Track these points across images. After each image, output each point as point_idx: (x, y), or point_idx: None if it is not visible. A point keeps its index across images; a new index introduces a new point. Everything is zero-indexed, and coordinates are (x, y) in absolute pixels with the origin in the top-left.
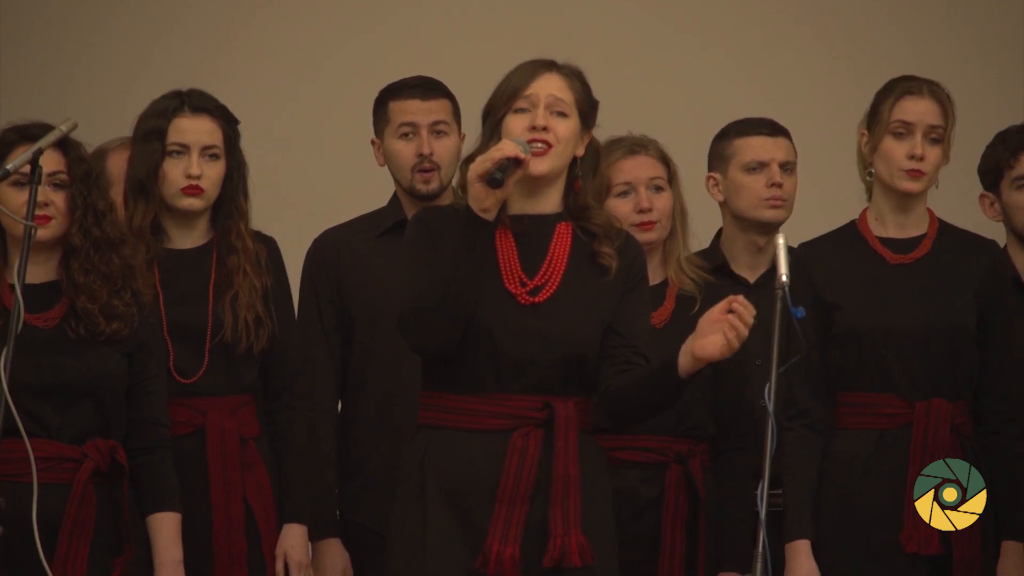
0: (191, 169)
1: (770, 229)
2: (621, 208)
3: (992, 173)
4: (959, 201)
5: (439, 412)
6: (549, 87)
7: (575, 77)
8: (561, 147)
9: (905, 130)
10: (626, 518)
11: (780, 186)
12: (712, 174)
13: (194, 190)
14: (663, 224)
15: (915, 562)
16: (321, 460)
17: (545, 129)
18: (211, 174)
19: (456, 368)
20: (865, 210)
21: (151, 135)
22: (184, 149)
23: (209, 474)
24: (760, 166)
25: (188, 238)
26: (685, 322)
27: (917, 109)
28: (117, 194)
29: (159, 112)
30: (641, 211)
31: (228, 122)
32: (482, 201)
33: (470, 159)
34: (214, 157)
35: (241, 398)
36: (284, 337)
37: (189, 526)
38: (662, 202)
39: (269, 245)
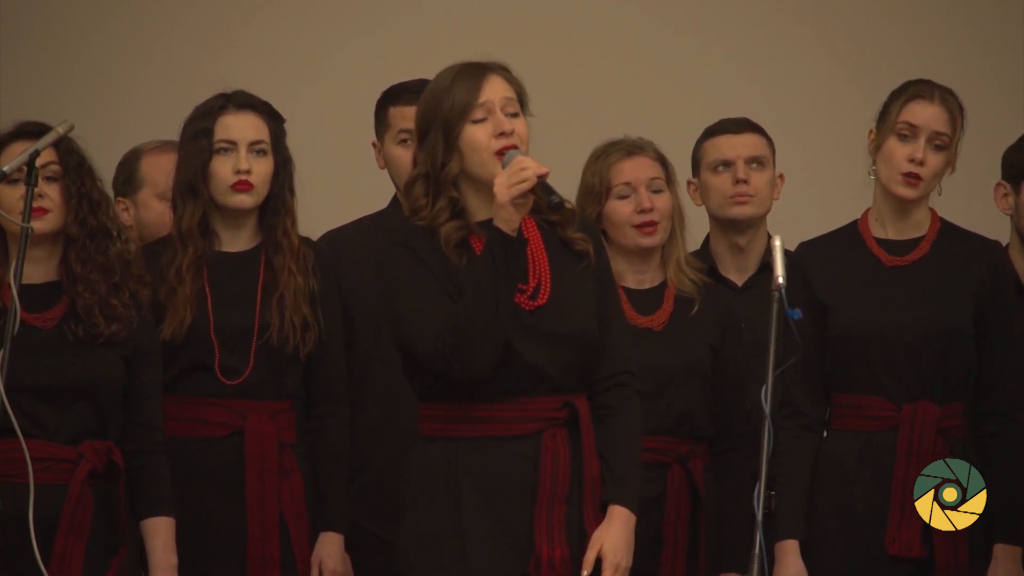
0: (240, 164)
1: (743, 227)
2: (622, 210)
3: (1017, 167)
4: (959, 202)
5: (458, 423)
6: (499, 91)
7: (509, 73)
8: (525, 146)
9: (910, 133)
10: None
11: (745, 182)
12: (691, 179)
13: (244, 186)
14: (664, 226)
15: (899, 564)
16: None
17: (512, 132)
18: (260, 170)
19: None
20: (867, 210)
21: (198, 135)
22: (232, 146)
23: (246, 478)
24: (725, 164)
25: (238, 240)
26: (684, 323)
27: (925, 113)
28: (149, 195)
29: (204, 112)
30: (642, 211)
31: (273, 118)
32: (514, 223)
33: (414, 180)
34: (261, 153)
35: (282, 403)
36: (330, 343)
37: (222, 529)
38: (662, 203)
39: (317, 250)
